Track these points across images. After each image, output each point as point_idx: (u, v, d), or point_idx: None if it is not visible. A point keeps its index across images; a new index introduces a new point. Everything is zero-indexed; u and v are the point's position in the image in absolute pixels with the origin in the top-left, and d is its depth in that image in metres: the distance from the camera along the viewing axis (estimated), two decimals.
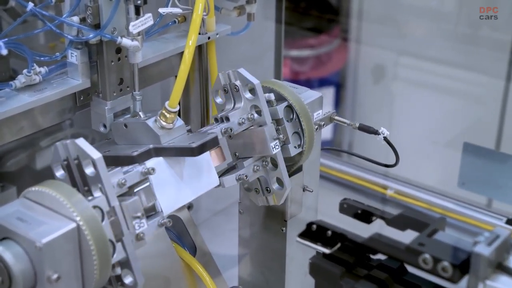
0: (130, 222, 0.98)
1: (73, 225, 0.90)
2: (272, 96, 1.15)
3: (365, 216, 1.05)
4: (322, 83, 2.60)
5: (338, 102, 2.60)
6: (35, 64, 1.07)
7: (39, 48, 1.60)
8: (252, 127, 1.14)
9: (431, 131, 2.17)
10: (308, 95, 1.23)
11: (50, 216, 0.91)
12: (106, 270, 0.93)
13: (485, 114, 2.07)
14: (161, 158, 1.05)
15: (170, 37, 1.28)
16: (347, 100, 2.58)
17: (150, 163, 1.04)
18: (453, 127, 2.10)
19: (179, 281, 1.22)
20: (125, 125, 1.10)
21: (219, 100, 1.16)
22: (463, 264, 0.89)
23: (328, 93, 2.56)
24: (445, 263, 0.89)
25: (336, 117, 1.25)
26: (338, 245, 1.03)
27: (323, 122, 1.24)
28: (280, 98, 1.18)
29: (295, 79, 2.58)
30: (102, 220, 0.94)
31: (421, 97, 2.20)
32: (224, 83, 1.14)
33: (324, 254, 1.05)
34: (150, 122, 1.07)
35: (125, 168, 1.01)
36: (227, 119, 1.13)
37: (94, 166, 0.93)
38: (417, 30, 2.25)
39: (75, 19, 1.06)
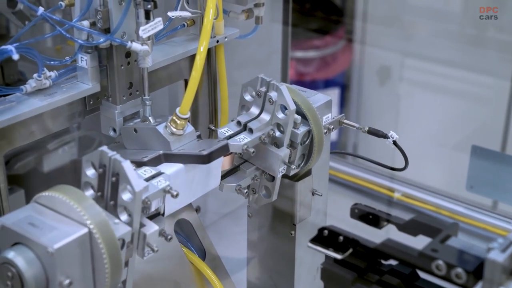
0: (142, 248, 0.98)
1: (85, 230, 0.90)
2: (299, 119, 1.14)
3: (376, 221, 1.05)
4: (327, 84, 2.60)
5: (343, 103, 2.60)
6: (45, 69, 1.07)
7: (46, 50, 1.61)
8: (269, 146, 1.14)
9: (437, 133, 2.17)
10: (317, 98, 1.22)
11: (61, 221, 0.91)
12: (117, 275, 0.93)
13: (491, 116, 2.06)
14: (181, 165, 1.05)
15: (179, 41, 1.28)
16: (352, 101, 2.57)
17: (170, 170, 1.04)
18: (459, 129, 2.09)
19: (189, 284, 1.22)
20: (135, 130, 1.10)
21: (248, 97, 1.15)
22: (477, 271, 0.89)
23: (333, 94, 2.55)
24: (459, 270, 0.89)
25: (345, 121, 1.25)
26: (350, 250, 1.02)
27: (332, 126, 1.23)
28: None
29: (300, 81, 2.58)
30: (122, 247, 0.94)
31: (427, 99, 2.20)
32: (259, 88, 1.13)
33: (335, 260, 1.05)
34: (160, 128, 1.07)
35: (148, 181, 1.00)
36: (251, 130, 1.12)
37: (133, 195, 0.93)
38: (423, 31, 2.25)
39: (85, 23, 1.07)
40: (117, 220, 0.95)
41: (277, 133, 1.14)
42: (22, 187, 1.64)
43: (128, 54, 1.12)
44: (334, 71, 2.63)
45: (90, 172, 0.95)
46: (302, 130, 1.15)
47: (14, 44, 0.99)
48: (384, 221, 1.04)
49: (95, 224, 0.90)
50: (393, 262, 1.02)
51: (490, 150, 1.57)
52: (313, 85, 2.54)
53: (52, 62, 1.09)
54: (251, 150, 1.11)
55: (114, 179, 0.93)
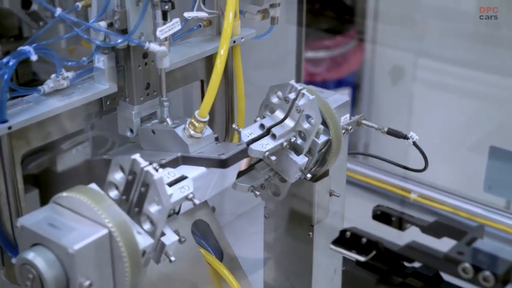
0: (159, 255, 0.98)
1: (105, 231, 0.89)
2: (321, 129, 1.14)
3: (399, 223, 1.04)
4: (338, 84, 2.60)
5: (354, 103, 2.59)
6: (63, 69, 1.06)
7: (59, 51, 1.60)
8: (288, 151, 1.14)
9: (451, 134, 2.15)
10: (335, 99, 1.22)
11: (81, 222, 0.90)
12: (137, 276, 0.93)
13: (507, 117, 2.05)
14: (203, 169, 1.05)
15: (195, 41, 1.27)
16: (363, 101, 2.57)
17: (193, 173, 1.03)
18: (474, 130, 2.08)
19: (206, 285, 1.22)
20: (153, 131, 1.10)
21: (275, 100, 1.14)
22: (506, 274, 0.88)
23: (344, 94, 2.54)
24: (487, 273, 0.88)
25: (364, 121, 1.24)
26: (373, 252, 1.01)
27: (350, 127, 1.23)
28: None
29: (311, 81, 2.57)
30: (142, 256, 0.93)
31: (441, 99, 2.19)
32: (288, 94, 1.12)
33: (357, 262, 1.04)
34: (179, 130, 1.07)
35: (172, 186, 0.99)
36: (274, 136, 1.11)
37: (160, 209, 0.92)
38: (435, 31, 2.24)
39: (103, 24, 1.06)
40: (140, 230, 0.95)
41: (299, 141, 1.13)
42: (36, 187, 1.65)
43: (146, 54, 1.12)
44: (345, 71, 2.62)
45: (119, 176, 0.95)
46: (322, 139, 1.15)
47: (33, 45, 0.98)
48: (407, 223, 1.03)
49: (114, 225, 0.90)
50: (415, 264, 1.02)
51: (509, 151, 1.56)
52: (324, 85, 2.54)
53: (69, 63, 1.08)
54: (273, 158, 1.11)
55: (143, 189, 0.93)
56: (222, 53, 1.05)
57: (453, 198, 1.70)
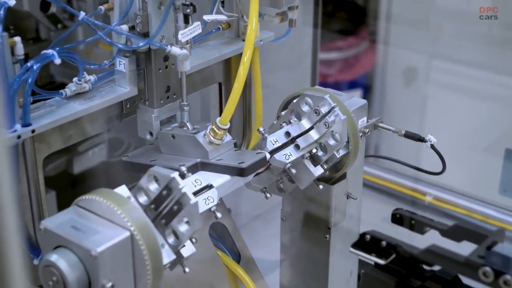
0: (175, 264, 1.00)
1: (127, 233, 0.90)
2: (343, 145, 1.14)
3: (419, 226, 1.05)
4: (350, 85, 2.60)
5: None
6: (85, 72, 1.07)
7: (77, 53, 1.62)
8: (305, 160, 1.15)
9: (465, 136, 2.15)
10: (353, 102, 1.22)
11: (103, 225, 0.91)
12: (158, 278, 0.94)
13: None
14: (228, 177, 1.06)
15: (213, 44, 1.27)
16: (374, 103, 2.56)
17: (218, 182, 1.04)
18: (489, 132, 2.08)
19: (223, 286, 1.23)
20: (173, 136, 1.11)
21: (306, 108, 1.15)
22: None
23: (356, 95, 2.54)
24: (508, 277, 0.88)
25: (381, 124, 1.25)
26: (393, 256, 1.02)
27: (367, 129, 1.23)
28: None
29: (323, 82, 2.57)
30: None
31: (455, 101, 2.18)
32: (320, 108, 1.12)
33: (375, 265, 1.05)
34: (199, 137, 1.08)
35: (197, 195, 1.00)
36: (297, 146, 1.13)
37: (189, 229, 0.94)
38: (448, 32, 2.24)
39: (124, 27, 1.07)
40: (164, 242, 0.96)
41: (319, 152, 1.15)
42: (53, 189, 1.66)
43: (166, 57, 1.12)
44: (357, 73, 2.62)
45: (153, 186, 0.95)
46: (341, 154, 1.16)
47: (56, 49, 0.99)
48: (427, 227, 1.04)
49: (136, 227, 0.91)
50: (435, 267, 1.02)
51: None
52: (336, 86, 2.54)
53: (91, 66, 1.09)
54: (293, 171, 1.12)
55: (176, 208, 0.94)
56: (246, 60, 1.06)
57: (468, 201, 1.70)
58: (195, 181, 1.01)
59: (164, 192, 0.94)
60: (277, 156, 1.10)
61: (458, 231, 1.01)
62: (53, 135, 1.06)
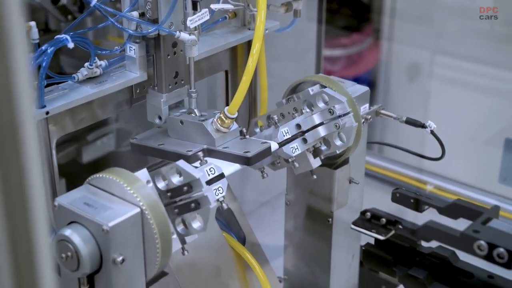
0: None
1: (137, 210, 0.94)
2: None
3: (417, 204, 1.08)
4: (354, 81, 2.62)
5: (370, 100, 2.61)
6: (96, 58, 1.11)
7: None
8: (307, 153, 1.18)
9: (467, 129, 2.18)
10: (355, 89, 1.26)
11: (114, 202, 0.95)
12: (167, 254, 0.97)
13: None
14: (238, 166, 1.10)
15: (220, 33, 1.31)
16: (378, 99, 2.59)
17: (229, 170, 1.08)
18: (490, 125, 2.11)
19: (230, 269, 1.26)
20: (181, 122, 1.14)
21: (321, 104, 1.17)
22: None
23: None
24: (501, 249, 0.91)
25: (383, 111, 1.28)
26: (392, 232, 1.05)
27: (369, 116, 1.27)
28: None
29: None
30: None
31: (458, 95, 2.21)
32: (335, 109, 1.16)
33: (376, 241, 1.08)
34: (207, 124, 1.11)
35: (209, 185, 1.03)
36: (304, 140, 1.16)
37: (200, 226, 0.99)
38: (452, 28, 2.26)
39: (135, 14, 1.10)
40: (173, 232, 1.00)
41: (323, 147, 1.18)
42: (63, 177, 1.69)
43: (175, 44, 1.16)
44: (361, 69, 2.65)
45: (175, 179, 0.99)
46: (341, 149, 1.20)
47: (70, 34, 1.03)
48: (425, 205, 1.07)
49: (146, 204, 0.94)
50: (432, 245, 1.05)
51: None
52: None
53: (103, 52, 1.13)
54: (296, 165, 1.16)
55: (193, 205, 0.98)
56: (255, 52, 1.08)
57: (469, 190, 1.73)
58: (210, 169, 1.04)
59: (185, 188, 0.98)
60: (285, 148, 1.14)
61: (455, 209, 1.04)
62: (65, 118, 1.09)
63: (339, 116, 1.15)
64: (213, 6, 1.19)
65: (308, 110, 1.18)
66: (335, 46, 2.59)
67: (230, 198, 1.32)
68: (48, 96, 1.06)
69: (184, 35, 1.09)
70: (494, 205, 1.01)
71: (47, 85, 1.09)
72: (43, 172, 1.08)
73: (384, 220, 1.08)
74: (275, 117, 1.18)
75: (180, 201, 0.99)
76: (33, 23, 1.02)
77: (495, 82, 2.12)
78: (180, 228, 1.01)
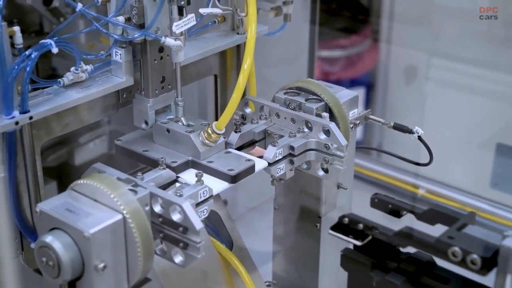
0: None
1: (119, 216, 0.94)
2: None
3: (396, 210, 1.08)
4: (352, 83, 2.62)
5: (368, 102, 2.61)
6: (82, 62, 1.11)
7: (79, 47, 1.65)
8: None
9: (463, 132, 2.18)
10: (344, 94, 1.25)
11: (97, 208, 0.95)
12: (149, 261, 0.97)
13: None
14: (226, 184, 1.10)
15: (210, 37, 1.31)
16: (377, 101, 2.59)
17: (217, 187, 1.09)
18: (485, 128, 2.10)
19: (216, 274, 1.26)
20: (168, 131, 1.14)
21: (323, 137, 1.17)
22: (492, 257, 0.92)
23: (359, 93, 2.56)
24: (474, 256, 0.92)
25: (371, 116, 1.28)
26: (369, 237, 1.05)
27: (358, 121, 1.26)
28: (315, 97, 1.21)
29: (326, 80, 2.59)
30: None
31: (453, 98, 2.21)
32: (331, 145, 1.15)
33: (355, 247, 1.08)
34: (194, 136, 1.11)
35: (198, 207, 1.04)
36: (291, 162, 1.16)
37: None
38: (450, 31, 2.26)
39: (121, 19, 1.10)
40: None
41: (303, 166, 1.20)
42: (54, 179, 1.69)
43: (161, 49, 1.15)
44: (360, 71, 2.65)
45: (175, 216, 0.98)
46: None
47: (54, 39, 1.02)
48: (403, 210, 1.07)
49: (129, 211, 0.94)
50: (411, 250, 1.05)
51: None
52: (338, 84, 2.55)
53: (88, 56, 1.12)
54: (281, 181, 1.18)
55: (182, 245, 0.98)
56: (246, 67, 1.09)
57: (461, 194, 1.73)
58: (203, 192, 1.04)
59: (181, 229, 0.98)
60: (272, 169, 1.14)
61: (432, 215, 1.04)
62: (51, 122, 1.09)
63: (333, 154, 1.15)
64: (201, 11, 1.19)
65: (307, 130, 1.18)
66: (334, 47, 2.59)
67: (219, 204, 1.31)
68: (33, 100, 1.06)
69: (169, 41, 1.09)
70: (470, 211, 1.01)
71: (33, 90, 1.09)
72: (27, 177, 1.08)
73: (361, 225, 1.09)
74: (275, 134, 1.18)
75: (169, 232, 0.99)
76: (17, 28, 1.01)
77: (490, 84, 2.12)
78: (158, 247, 1.02)
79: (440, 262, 1.01)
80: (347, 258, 1.11)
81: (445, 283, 1.03)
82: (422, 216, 1.06)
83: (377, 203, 1.11)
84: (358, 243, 1.09)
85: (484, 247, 0.93)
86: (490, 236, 0.94)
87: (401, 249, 1.08)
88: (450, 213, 1.02)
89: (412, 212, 1.07)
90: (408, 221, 1.07)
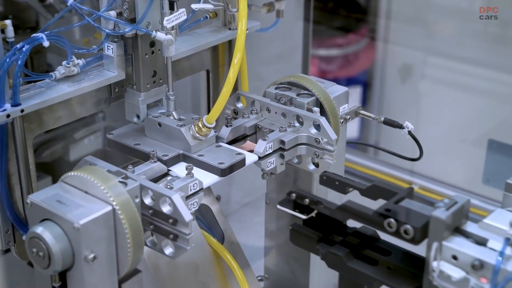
0: None
1: (109, 208, 0.94)
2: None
3: (342, 187, 1.14)
4: (349, 82, 2.63)
5: (365, 101, 2.62)
6: (73, 56, 1.11)
7: (74, 43, 1.67)
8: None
9: (456, 129, 2.19)
10: (335, 89, 1.26)
11: (87, 200, 0.96)
12: (139, 252, 0.98)
13: (511, 112, 2.08)
14: (216, 177, 1.11)
15: (202, 32, 1.32)
16: (373, 99, 2.60)
17: (207, 180, 1.10)
18: (479, 126, 2.11)
19: (208, 268, 1.26)
20: (159, 124, 1.15)
21: (314, 131, 1.17)
22: (424, 227, 0.96)
23: (355, 92, 2.58)
24: (407, 226, 0.97)
25: (362, 111, 1.28)
26: (315, 212, 1.12)
27: (348, 116, 1.27)
28: (306, 92, 1.22)
29: (323, 78, 2.60)
30: None
31: (448, 96, 2.22)
32: (321, 139, 1.17)
33: (304, 222, 1.14)
34: (185, 130, 1.12)
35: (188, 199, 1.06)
36: (282, 156, 1.17)
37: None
38: (445, 30, 2.27)
39: (112, 13, 1.11)
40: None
41: (295, 160, 1.21)
42: (49, 175, 1.70)
43: (153, 43, 1.16)
44: (357, 69, 2.66)
45: (165, 208, 0.99)
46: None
47: (45, 32, 1.03)
48: (349, 187, 1.12)
49: (118, 202, 0.95)
50: (358, 225, 1.10)
51: (506, 144, 1.59)
52: (335, 82, 2.56)
53: (80, 51, 1.13)
54: (273, 175, 1.19)
55: (172, 236, 1.00)
56: (236, 62, 1.10)
57: (454, 190, 1.74)
58: (193, 185, 1.05)
59: (171, 220, 0.99)
60: (263, 163, 1.15)
61: (375, 190, 1.09)
62: (43, 116, 1.10)
63: (323, 149, 1.16)
64: (193, 6, 1.20)
65: (298, 125, 1.19)
66: (331, 46, 2.60)
67: (211, 200, 1.32)
68: (24, 94, 1.06)
69: (160, 35, 1.09)
70: (409, 186, 1.04)
71: (25, 83, 1.10)
72: (19, 170, 1.09)
73: (307, 200, 1.14)
74: (266, 129, 1.18)
75: (159, 223, 1.00)
76: (8, 22, 1.02)
77: (484, 82, 2.12)
78: (149, 239, 1.03)
79: (384, 236, 1.06)
80: (295, 232, 1.16)
81: (386, 255, 1.08)
82: (366, 192, 1.10)
83: (326, 180, 1.16)
84: (303, 216, 1.15)
85: (417, 218, 0.97)
86: (424, 209, 0.99)
87: (348, 225, 1.13)
88: (391, 188, 1.07)
89: (356, 188, 1.11)
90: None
